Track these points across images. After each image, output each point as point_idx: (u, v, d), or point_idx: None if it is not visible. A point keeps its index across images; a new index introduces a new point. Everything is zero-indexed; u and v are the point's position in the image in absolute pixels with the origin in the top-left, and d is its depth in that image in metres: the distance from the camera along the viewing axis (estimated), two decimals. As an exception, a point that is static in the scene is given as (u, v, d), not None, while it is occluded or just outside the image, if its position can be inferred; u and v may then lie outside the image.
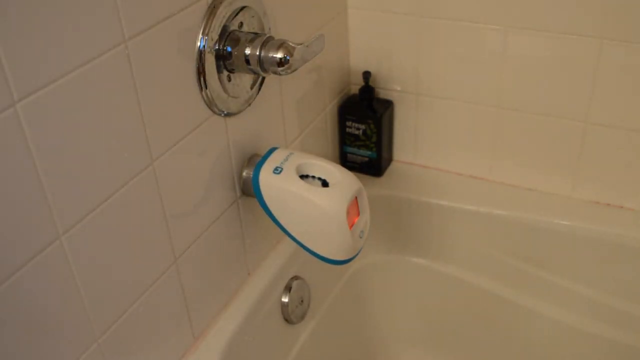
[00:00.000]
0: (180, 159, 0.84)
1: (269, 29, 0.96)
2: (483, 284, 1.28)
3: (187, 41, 0.82)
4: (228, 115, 0.92)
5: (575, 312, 1.22)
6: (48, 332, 0.70)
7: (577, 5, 1.04)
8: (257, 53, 0.86)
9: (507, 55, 1.13)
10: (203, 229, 0.93)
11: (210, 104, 0.88)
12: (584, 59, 1.08)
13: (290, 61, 0.86)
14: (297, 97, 1.12)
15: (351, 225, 0.93)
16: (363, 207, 0.97)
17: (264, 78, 0.98)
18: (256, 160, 0.97)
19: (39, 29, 0.61)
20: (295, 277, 1.13)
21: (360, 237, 0.96)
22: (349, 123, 1.28)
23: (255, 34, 0.89)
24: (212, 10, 0.84)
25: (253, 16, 0.91)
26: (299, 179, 0.92)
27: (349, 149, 1.31)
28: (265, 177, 0.93)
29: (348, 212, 0.91)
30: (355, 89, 1.31)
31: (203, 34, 0.83)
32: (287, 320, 1.12)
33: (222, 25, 0.85)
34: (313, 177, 0.95)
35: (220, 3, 0.84)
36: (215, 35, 0.85)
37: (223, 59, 0.87)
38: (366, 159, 1.30)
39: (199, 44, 0.83)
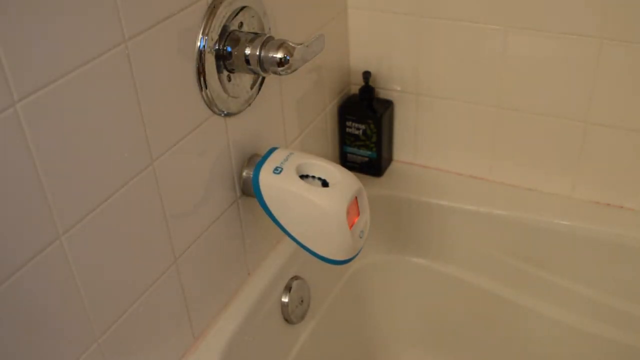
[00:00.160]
0: (180, 159, 0.84)
1: (269, 29, 0.96)
2: (483, 284, 1.28)
3: (187, 41, 0.82)
4: (228, 115, 0.92)
5: (575, 312, 1.22)
6: (48, 332, 0.70)
7: (577, 5, 1.04)
8: (257, 53, 0.86)
9: (507, 55, 1.13)
10: (203, 229, 0.93)
11: (210, 104, 0.88)
12: (584, 59, 1.08)
13: (290, 61, 0.86)
14: (297, 97, 1.12)
15: (351, 225, 0.93)
16: (363, 207, 0.97)
17: (264, 78, 0.98)
18: (256, 160, 0.97)
19: (39, 29, 0.61)
20: (295, 277, 1.13)
21: (360, 237, 0.96)
22: (349, 123, 1.28)
23: (255, 34, 0.89)
24: (212, 10, 0.84)
25: (253, 16, 0.91)
26: (299, 179, 0.92)
27: (349, 149, 1.31)
28: (265, 177, 0.93)
29: (348, 212, 0.91)
30: (355, 89, 1.31)
31: (203, 34, 0.83)
32: (287, 320, 1.12)
33: (222, 25, 0.85)
34: (313, 177, 0.95)
35: (220, 3, 0.84)
36: (215, 35, 0.85)
37: (223, 59, 0.87)
38: (366, 159, 1.30)
39: (199, 44, 0.83)
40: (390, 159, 1.35)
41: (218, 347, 0.95)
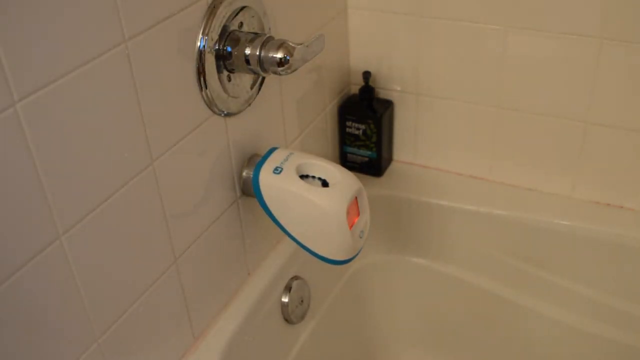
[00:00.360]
0: (180, 159, 0.84)
1: (269, 29, 0.96)
2: (483, 284, 1.28)
3: (187, 41, 0.82)
4: (228, 115, 0.92)
5: (575, 312, 1.22)
6: (48, 332, 0.70)
7: (577, 5, 1.04)
8: (257, 53, 0.86)
9: (507, 55, 1.13)
10: (203, 229, 0.93)
11: (210, 104, 0.88)
12: (584, 59, 1.08)
13: (290, 61, 0.86)
14: (297, 97, 1.12)
15: (351, 225, 0.93)
16: (363, 207, 0.97)
17: (264, 78, 0.98)
18: (256, 160, 0.97)
19: (39, 29, 0.61)
20: (295, 277, 1.13)
21: (360, 237, 0.96)
22: (349, 123, 1.28)
23: (255, 34, 0.89)
24: (212, 10, 0.84)
25: (253, 16, 0.91)
26: (299, 179, 0.92)
27: (349, 149, 1.31)
28: (265, 177, 0.93)
29: (348, 212, 0.91)
30: (355, 89, 1.31)
31: (203, 34, 0.83)
32: (287, 320, 1.12)
33: (222, 25, 0.85)
34: (313, 177, 0.95)
35: (220, 3, 0.84)
36: (215, 35, 0.85)
37: (223, 59, 0.87)
38: (366, 159, 1.30)
39: (199, 44, 0.83)
40: (390, 159, 1.35)
41: (218, 347, 0.95)
